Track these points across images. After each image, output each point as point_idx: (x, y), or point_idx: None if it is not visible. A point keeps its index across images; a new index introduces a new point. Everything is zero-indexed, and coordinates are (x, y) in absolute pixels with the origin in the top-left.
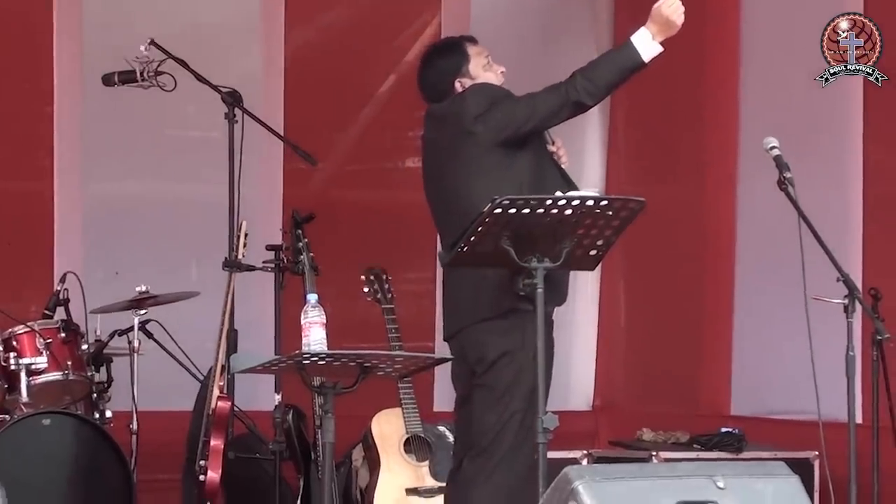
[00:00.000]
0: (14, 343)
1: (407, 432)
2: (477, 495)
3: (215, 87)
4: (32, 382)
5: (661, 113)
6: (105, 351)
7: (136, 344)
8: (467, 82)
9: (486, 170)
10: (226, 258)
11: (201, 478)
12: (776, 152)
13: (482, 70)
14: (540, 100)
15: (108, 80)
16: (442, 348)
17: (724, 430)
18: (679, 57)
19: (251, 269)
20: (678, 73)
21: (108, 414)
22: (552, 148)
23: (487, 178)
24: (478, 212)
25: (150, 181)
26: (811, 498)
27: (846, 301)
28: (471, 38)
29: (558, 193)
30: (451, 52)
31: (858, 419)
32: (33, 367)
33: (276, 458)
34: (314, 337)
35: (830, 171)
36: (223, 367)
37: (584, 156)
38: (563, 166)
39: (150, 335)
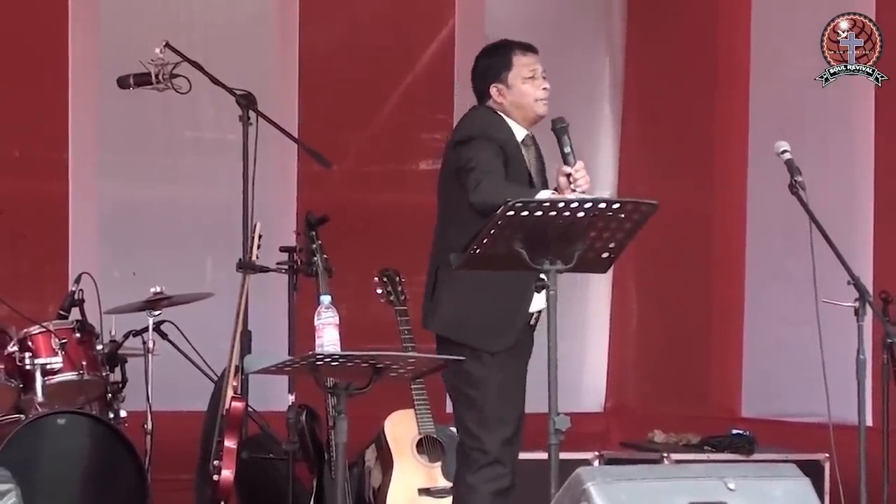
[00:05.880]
0: (29, 343)
1: (420, 433)
2: (466, 479)
3: (230, 90)
4: (47, 382)
5: (673, 116)
6: (120, 351)
7: (150, 344)
8: (504, 90)
9: (455, 191)
10: (240, 259)
11: (215, 477)
12: (787, 156)
13: (520, 82)
14: (487, 181)
15: (123, 82)
16: None
17: (734, 431)
18: (691, 58)
19: (265, 270)
20: (690, 76)
21: (123, 414)
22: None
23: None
24: (442, 229)
25: (164, 182)
26: (821, 500)
27: (857, 304)
28: (524, 46)
29: (570, 196)
30: (495, 56)
31: (869, 422)
32: (48, 367)
33: (290, 459)
34: (327, 338)
35: (841, 171)
36: (237, 367)
37: (597, 158)
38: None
39: (164, 336)
